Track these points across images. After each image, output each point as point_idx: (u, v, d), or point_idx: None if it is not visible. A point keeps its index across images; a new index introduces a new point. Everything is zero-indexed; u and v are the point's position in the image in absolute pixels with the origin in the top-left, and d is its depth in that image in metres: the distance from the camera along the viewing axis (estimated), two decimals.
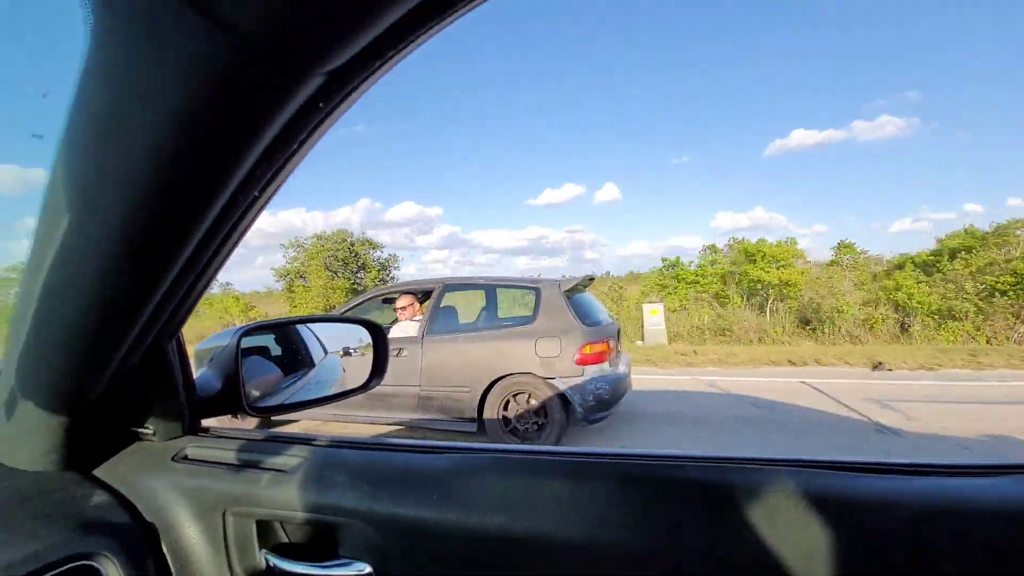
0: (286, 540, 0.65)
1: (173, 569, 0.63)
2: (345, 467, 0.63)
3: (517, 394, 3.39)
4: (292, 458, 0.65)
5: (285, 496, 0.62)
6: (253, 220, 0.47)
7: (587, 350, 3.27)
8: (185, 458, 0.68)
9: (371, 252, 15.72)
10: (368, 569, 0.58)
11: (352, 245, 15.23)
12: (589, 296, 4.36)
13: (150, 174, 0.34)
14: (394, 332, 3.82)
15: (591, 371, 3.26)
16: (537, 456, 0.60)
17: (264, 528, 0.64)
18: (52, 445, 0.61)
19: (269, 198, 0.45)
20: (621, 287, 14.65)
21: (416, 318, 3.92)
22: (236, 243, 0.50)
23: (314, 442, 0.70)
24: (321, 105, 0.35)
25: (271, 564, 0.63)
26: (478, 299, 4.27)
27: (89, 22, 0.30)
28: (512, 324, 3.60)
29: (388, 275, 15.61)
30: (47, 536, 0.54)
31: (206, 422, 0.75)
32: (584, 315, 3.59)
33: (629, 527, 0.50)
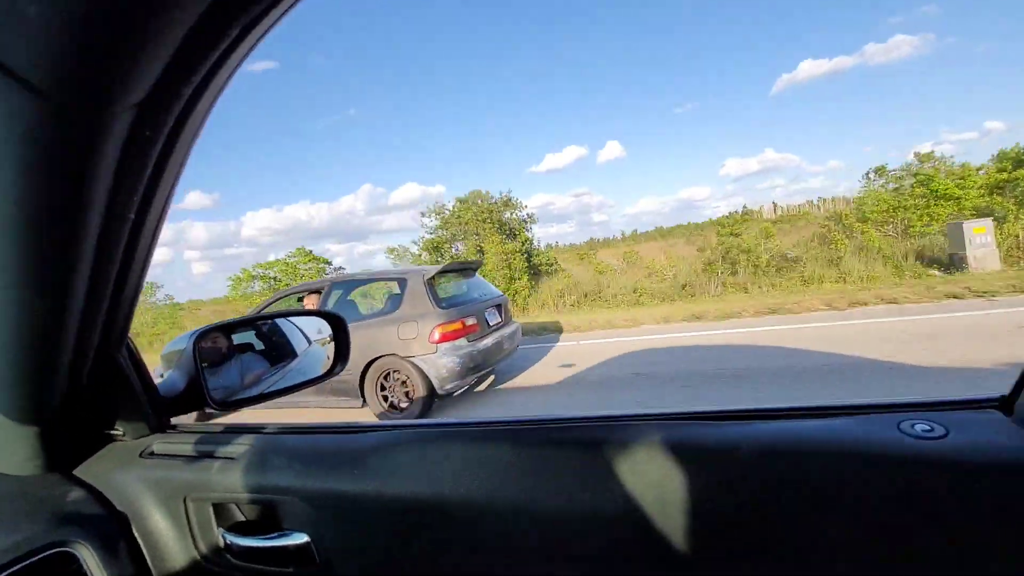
0: (241, 519, 0.71)
1: (145, 551, 0.69)
2: (284, 451, 0.69)
3: (389, 373, 3.91)
4: (241, 446, 0.72)
5: (234, 481, 0.68)
6: (152, 237, 0.51)
7: (440, 330, 3.73)
8: (152, 454, 0.74)
9: (515, 213, 13.60)
10: (306, 538, 0.65)
11: (491, 208, 13.34)
12: (478, 279, 4.81)
13: (16, 228, 0.37)
14: None
15: (444, 348, 3.73)
16: (447, 427, 0.66)
17: (220, 510, 0.71)
18: (32, 451, 0.66)
19: (160, 214, 0.49)
20: (633, 252, 14.02)
21: None
22: (145, 260, 0.54)
23: (262, 431, 0.77)
24: (148, 133, 0.37)
25: (228, 541, 0.69)
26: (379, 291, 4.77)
27: None
28: (385, 312, 4.08)
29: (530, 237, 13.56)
30: (28, 529, 0.60)
31: (181, 418, 0.81)
32: (448, 299, 4.04)
33: (525, 486, 0.56)
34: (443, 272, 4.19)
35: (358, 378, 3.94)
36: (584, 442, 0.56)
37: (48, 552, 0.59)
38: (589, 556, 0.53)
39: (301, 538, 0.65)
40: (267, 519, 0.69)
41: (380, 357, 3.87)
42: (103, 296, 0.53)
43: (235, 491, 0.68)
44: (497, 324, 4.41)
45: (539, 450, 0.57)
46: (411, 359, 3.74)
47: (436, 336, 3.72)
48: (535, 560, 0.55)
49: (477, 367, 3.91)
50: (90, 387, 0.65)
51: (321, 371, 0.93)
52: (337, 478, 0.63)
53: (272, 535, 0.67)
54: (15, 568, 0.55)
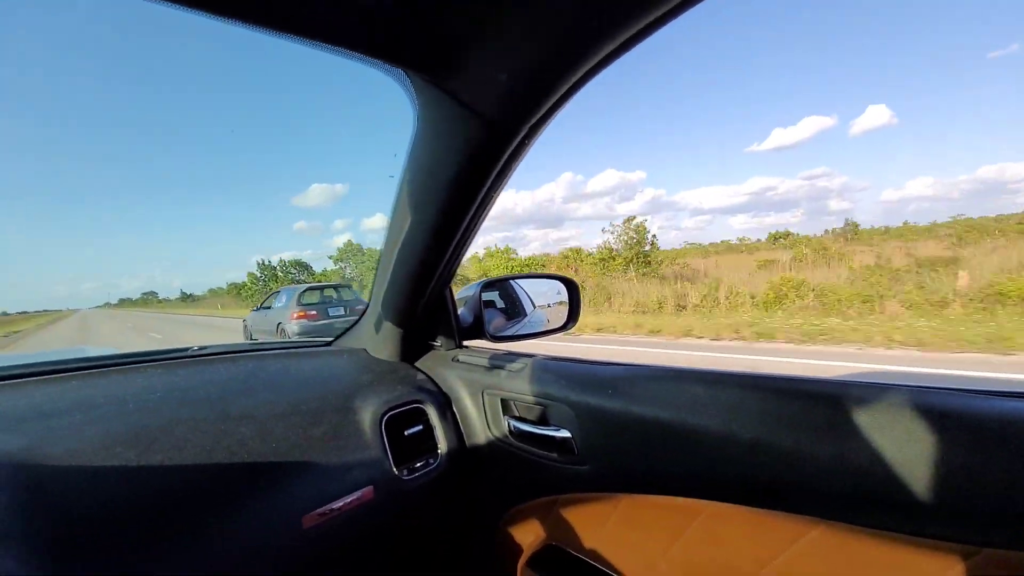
0: (517, 414, 0.96)
1: (459, 420, 1.04)
2: (551, 370, 0.91)
3: (283, 331, 9.84)
4: (520, 364, 0.97)
5: (516, 385, 0.93)
6: (484, 217, 0.84)
7: (295, 315, 9.50)
8: (457, 360, 1.09)
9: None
10: (568, 433, 0.84)
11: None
12: (346, 290, 10.43)
13: (436, 204, 0.77)
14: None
15: (296, 322, 9.49)
16: (681, 372, 0.76)
17: (506, 404, 0.97)
18: (396, 347, 1.12)
19: (493, 204, 0.82)
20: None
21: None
22: (476, 231, 0.88)
23: (532, 356, 1.01)
24: (526, 142, 0.65)
25: (512, 426, 0.95)
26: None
27: (414, 125, 0.68)
28: (285, 305, 10.02)
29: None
30: (401, 389, 1.00)
31: (466, 342, 1.16)
32: (308, 301, 9.79)
33: (762, 426, 0.61)
34: (308, 289, 9.93)
35: (275, 327, 9.97)
36: (825, 397, 0.58)
37: (412, 404, 0.98)
38: (823, 498, 0.56)
39: (565, 433, 0.84)
40: (537, 416, 0.91)
41: (280, 322, 9.85)
42: (457, 249, 0.90)
43: (517, 392, 0.93)
44: (337, 314, 9.99)
45: (776, 398, 0.61)
46: (282, 326, 9.62)
47: (294, 316, 9.54)
48: (770, 491, 0.61)
49: (314, 331, 9.57)
50: (426, 311, 1.04)
51: (557, 325, 1.21)
52: (591, 395, 0.81)
53: (544, 427, 0.88)
54: (400, 410, 0.95)
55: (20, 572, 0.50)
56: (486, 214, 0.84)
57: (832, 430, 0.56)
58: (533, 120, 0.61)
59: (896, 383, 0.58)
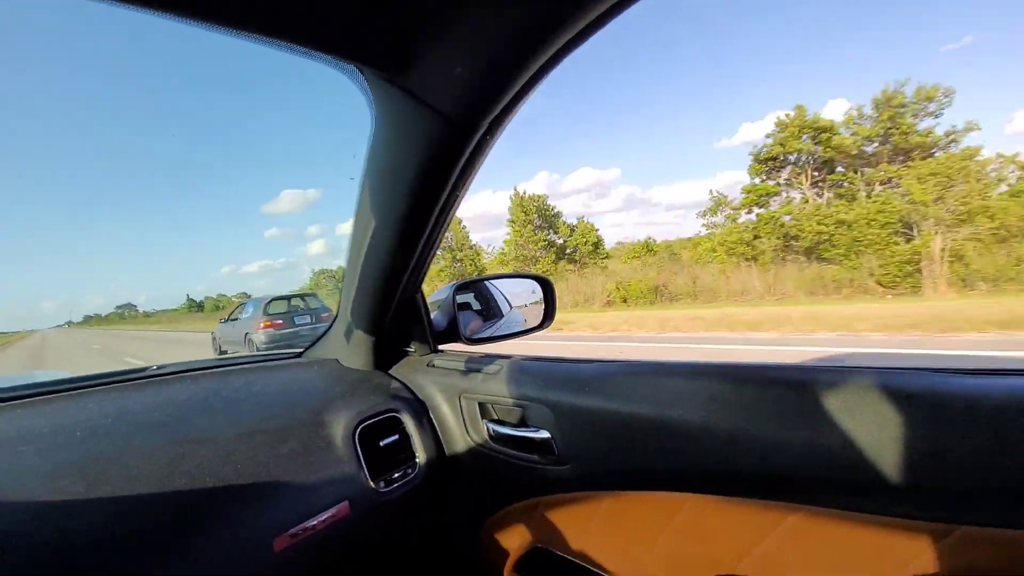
0: (495, 417, 0.95)
1: (437, 427, 1.02)
2: (528, 372, 0.90)
3: (249, 340, 9.49)
4: (496, 366, 0.96)
5: (494, 388, 0.93)
6: (450, 217, 0.83)
7: (262, 325, 9.18)
8: (432, 366, 1.07)
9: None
10: (547, 434, 0.84)
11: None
12: (312, 300, 10.16)
13: (399, 206, 0.75)
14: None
15: (264, 332, 9.17)
16: (659, 366, 0.75)
17: (484, 408, 0.96)
18: (368, 355, 1.10)
19: (458, 204, 0.79)
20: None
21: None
22: (443, 231, 0.86)
23: (509, 357, 0.99)
24: (488, 138, 0.64)
25: (491, 430, 0.94)
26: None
27: (371, 125, 0.67)
28: (251, 316, 9.67)
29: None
30: (375, 399, 0.97)
31: (441, 346, 1.14)
32: (275, 311, 9.48)
33: (740, 416, 0.61)
34: (275, 299, 9.63)
35: (243, 338, 9.60)
36: (797, 383, 0.58)
37: (388, 413, 0.96)
38: (799, 484, 0.57)
39: (544, 434, 0.84)
40: (517, 419, 0.90)
41: (247, 332, 9.50)
42: (423, 254, 0.88)
43: (495, 395, 0.92)
44: (304, 323, 9.72)
45: (753, 388, 0.61)
46: (250, 336, 9.29)
47: (260, 327, 9.21)
48: (748, 481, 0.61)
49: (276, 341, 9.29)
50: (397, 317, 1.02)
51: (534, 324, 1.19)
52: (570, 393, 0.80)
53: (523, 428, 0.88)
54: (374, 420, 0.93)
55: None
56: (452, 214, 0.82)
57: (805, 416, 0.56)
58: (494, 114, 0.59)
59: (864, 366, 0.59)
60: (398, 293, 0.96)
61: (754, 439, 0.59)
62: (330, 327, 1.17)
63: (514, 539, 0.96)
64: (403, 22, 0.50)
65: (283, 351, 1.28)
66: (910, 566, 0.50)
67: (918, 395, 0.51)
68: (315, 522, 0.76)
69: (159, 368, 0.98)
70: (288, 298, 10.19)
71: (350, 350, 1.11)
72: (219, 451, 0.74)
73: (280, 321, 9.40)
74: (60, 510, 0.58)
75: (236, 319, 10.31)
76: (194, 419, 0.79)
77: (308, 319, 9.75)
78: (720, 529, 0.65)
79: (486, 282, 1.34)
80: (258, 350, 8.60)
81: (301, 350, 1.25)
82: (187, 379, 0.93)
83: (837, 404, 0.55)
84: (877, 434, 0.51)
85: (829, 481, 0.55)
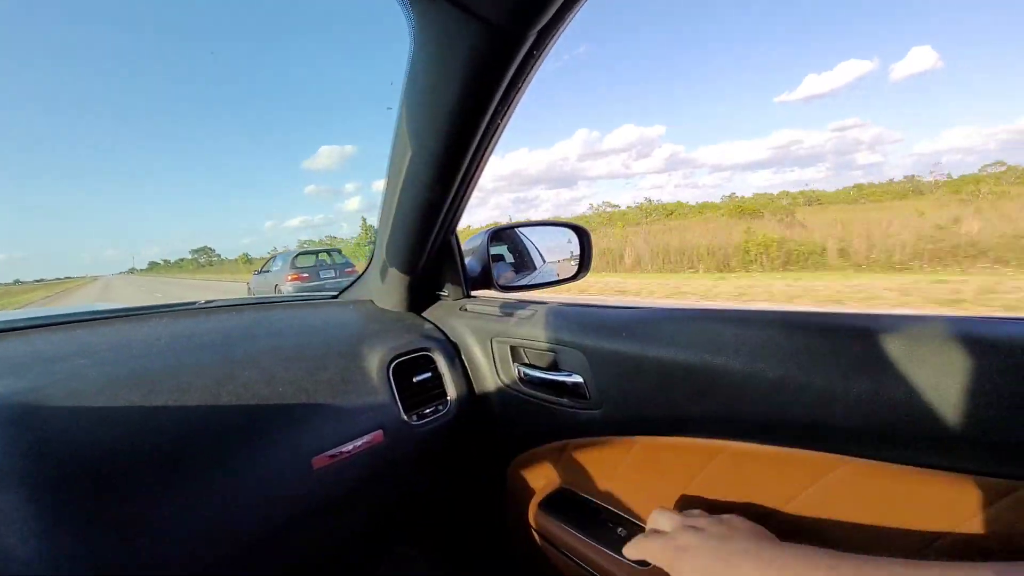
0: (527, 360, 0.94)
1: (468, 369, 1.02)
2: (562, 315, 0.88)
3: (279, 292, 9.78)
4: (529, 311, 0.95)
5: (526, 332, 0.91)
6: (490, 152, 0.79)
7: (290, 277, 9.44)
8: (465, 310, 1.07)
9: None
10: (580, 379, 0.82)
11: None
12: (336, 255, 10.35)
13: (439, 132, 0.70)
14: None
15: (291, 284, 9.43)
16: (703, 312, 0.72)
17: (515, 351, 0.95)
18: (402, 297, 1.10)
19: (500, 133, 0.75)
20: None
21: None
22: (482, 165, 0.82)
23: (543, 303, 0.98)
24: (535, 52, 0.58)
25: (522, 373, 0.93)
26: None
27: (410, 44, 0.60)
28: (282, 269, 9.92)
29: None
30: (409, 337, 0.99)
31: (473, 292, 1.14)
32: (302, 265, 9.70)
33: (790, 364, 0.57)
34: (302, 253, 9.85)
35: (273, 290, 9.91)
36: (857, 331, 0.54)
37: (421, 351, 0.97)
38: (855, 435, 0.53)
39: (577, 378, 0.82)
40: (548, 363, 0.89)
41: (276, 284, 9.79)
42: (459, 193, 0.86)
43: (527, 339, 0.90)
44: (328, 276, 9.94)
45: (807, 334, 0.57)
46: (279, 287, 9.59)
47: (289, 279, 9.47)
48: (795, 430, 0.58)
49: (310, 289, 9.56)
50: (432, 259, 1.01)
51: (568, 275, 1.18)
52: (605, 338, 0.77)
53: (555, 372, 0.86)
54: (407, 356, 0.94)
55: (20, 512, 0.49)
56: (492, 145, 0.78)
57: (866, 365, 0.53)
58: (542, 23, 0.54)
59: (931, 314, 0.55)
60: (434, 233, 0.94)
61: (804, 387, 0.56)
62: (366, 270, 1.19)
63: (540, 479, 0.97)
64: None
65: (320, 293, 1.31)
66: (969, 522, 0.48)
67: (997, 344, 0.47)
68: (351, 447, 0.79)
69: (207, 302, 1.03)
70: (315, 252, 10.45)
71: (385, 292, 1.12)
72: (263, 374, 0.76)
73: (307, 275, 9.67)
74: (113, 417, 0.61)
75: (268, 271, 10.71)
76: (239, 344, 0.82)
77: (332, 273, 10.02)
78: (761, 476, 0.63)
79: (520, 229, 1.33)
80: None
81: (336, 292, 1.29)
82: (232, 311, 0.97)
83: (903, 352, 0.51)
84: (948, 384, 0.47)
85: (890, 433, 0.51)
